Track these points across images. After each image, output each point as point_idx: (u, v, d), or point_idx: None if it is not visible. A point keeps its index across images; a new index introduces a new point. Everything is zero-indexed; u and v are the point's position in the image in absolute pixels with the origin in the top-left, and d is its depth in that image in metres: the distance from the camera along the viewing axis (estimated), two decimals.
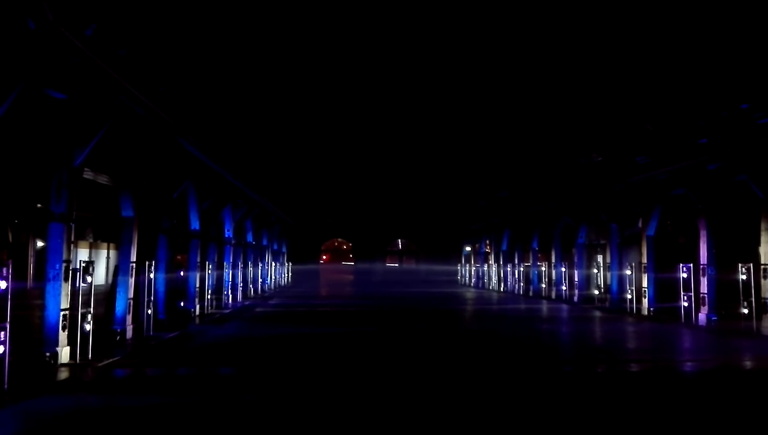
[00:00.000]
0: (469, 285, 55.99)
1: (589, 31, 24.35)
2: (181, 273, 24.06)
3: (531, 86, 32.26)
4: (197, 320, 22.65)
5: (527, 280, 41.75)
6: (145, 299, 17.52)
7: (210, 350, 16.73)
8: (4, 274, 10.40)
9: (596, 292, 32.34)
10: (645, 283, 25.20)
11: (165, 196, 20.28)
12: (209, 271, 25.80)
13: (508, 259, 46.09)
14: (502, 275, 47.21)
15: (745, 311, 19.01)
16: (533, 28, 28.13)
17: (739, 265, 19.09)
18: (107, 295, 17.35)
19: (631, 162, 25.71)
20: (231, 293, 30.61)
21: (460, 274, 60.69)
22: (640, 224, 26.85)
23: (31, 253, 20.00)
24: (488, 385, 12.16)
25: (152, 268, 18.07)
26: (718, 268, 21.28)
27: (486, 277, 52.08)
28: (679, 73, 21.16)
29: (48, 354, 12.71)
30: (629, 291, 26.61)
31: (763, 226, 18.88)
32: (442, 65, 36.98)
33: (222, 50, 23.18)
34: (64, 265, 13.01)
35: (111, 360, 13.78)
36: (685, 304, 21.88)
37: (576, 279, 33.70)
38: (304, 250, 60.29)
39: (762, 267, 18.65)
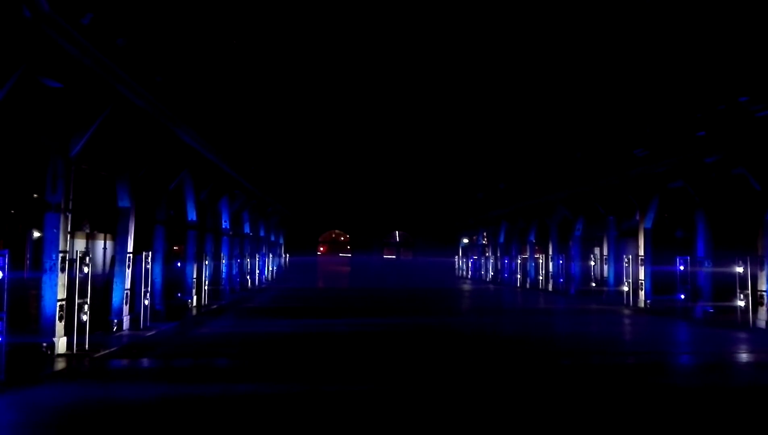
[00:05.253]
0: (467, 277, 56.11)
1: (586, 24, 24.27)
2: (178, 264, 24.04)
3: (528, 78, 32.18)
4: (194, 311, 22.64)
5: (524, 273, 41.82)
6: (142, 290, 17.50)
7: (206, 341, 16.73)
8: (1, 265, 10.37)
9: (593, 284, 32.41)
10: (642, 276, 25.25)
11: (162, 186, 20.23)
12: (206, 262, 25.77)
13: (506, 252, 46.14)
14: (499, 267, 47.28)
15: (741, 304, 19.04)
16: (530, 19, 28.03)
17: (736, 257, 19.13)
18: (104, 285, 17.32)
19: (628, 154, 25.70)
20: (228, 284, 30.59)
21: (457, 265, 60.82)
22: (637, 217, 26.86)
23: (27, 243, 19.94)
24: (485, 379, 12.18)
25: (149, 258, 18.04)
26: (715, 260, 21.31)
27: (483, 269, 52.17)
28: (677, 66, 21.10)
29: (45, 344, 12.69)
30: (626, 283, 26.65)
31: (761, 219, 18.86)
32: (440, 57, 36.88)
33: (220, 40, 23.06)
34: (60, 255, 12.97)
35: (108, 350, 13.77)
36: (682, 296, 21.91)
37: (573, 271, 33.79)
38: (302, 242, 60.22)
39: (759, 259, 18.64)
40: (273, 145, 39.30)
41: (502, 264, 46.56)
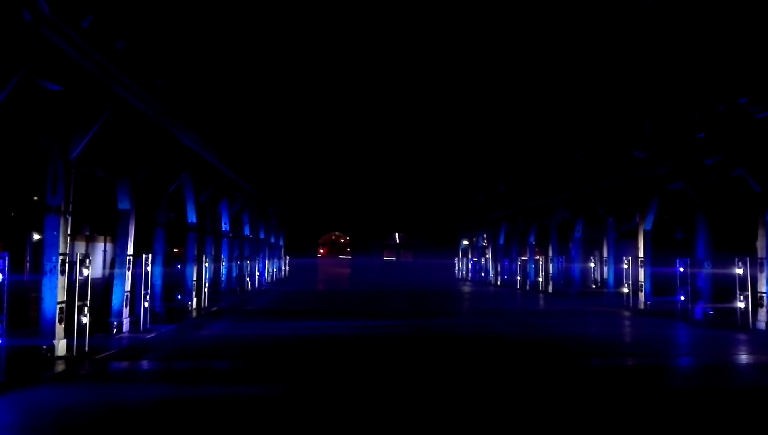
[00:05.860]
0: (467, 279, 56.12)
1: (586, 26, 24.29)
2: (178, 266, 24.02)
3: (528, 80, 32.21)
4: (194, 313, 22.63)
5: (524, 274, 41.83)
6: (142, 292, 17.50)
7: (206, 344, 16.72)
8: (1, 267, 10.37)
9: (593, 286, 32.42)
10: (642, 277, 25.24)
11: (162, 188, 20.24)
12: (206, 265, 25.76)
13: (505, 253, 46.14)
14: (499, 269, 47.29)
15: (741, 305, 19.04)
16: (530, 21, 28.06)
17: (736, 259, 19.13)
18: (104, 288, 17.32)
19: (628, 156, 25.71)
20: (228, 286, 30.58)
21: (457, 267, 60.83)
22: (637, 218, 26.87)
23: (27, 245, 20.00)
24: (485, 380, 12.19)
25: (149, 261, 18.04)
26: (715, 262, 21.30)
27: (483, 271, 52.19)
28: (676, 68, 21.12)
29: (45, 347, 12.67)
30: (626, 285, 26.65)
31: (760, 220, 18.87)
32: (439, 59, 36.89)
33: (220, 44, 23.08)
34: (60, 257, 12.97)
35: (108, 353, 13.77)
36: (682, 298, 21.90)
37: (573, 273, 33.79)
38: (302, 244, 60.24)
39: (758, 261, 18.65)
40: (273, 147, 39.32)
41: (502, 265, 46.56)
